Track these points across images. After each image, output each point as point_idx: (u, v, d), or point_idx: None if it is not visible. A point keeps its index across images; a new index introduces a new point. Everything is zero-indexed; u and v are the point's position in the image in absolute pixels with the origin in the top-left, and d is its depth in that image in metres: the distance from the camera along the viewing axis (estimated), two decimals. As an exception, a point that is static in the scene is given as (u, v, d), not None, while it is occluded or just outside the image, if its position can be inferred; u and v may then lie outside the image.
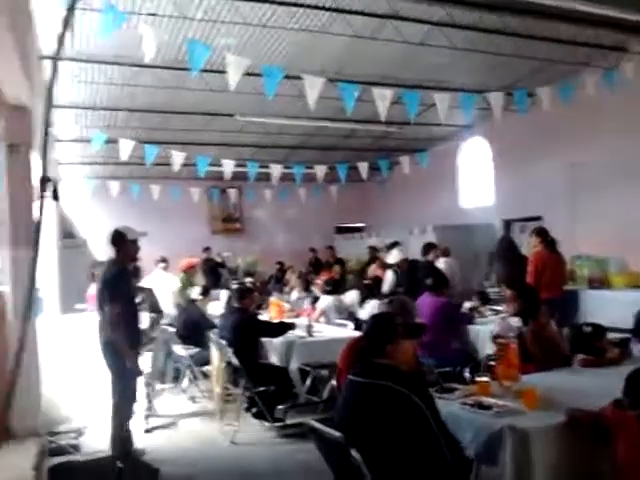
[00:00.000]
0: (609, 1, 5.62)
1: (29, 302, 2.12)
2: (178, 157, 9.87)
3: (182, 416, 6.17)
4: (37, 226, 2.06)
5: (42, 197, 2.13)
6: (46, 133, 2.20)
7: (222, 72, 7.66)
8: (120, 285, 4.55)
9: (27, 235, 5.38)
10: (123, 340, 4.45)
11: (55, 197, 2.15)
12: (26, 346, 2.44)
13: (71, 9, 2.72)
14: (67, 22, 2.62)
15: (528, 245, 7.55)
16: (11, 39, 2.67)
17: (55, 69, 2.30)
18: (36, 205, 5.17)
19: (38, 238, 2.07)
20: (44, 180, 2.11)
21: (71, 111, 9.49)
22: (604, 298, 7.46)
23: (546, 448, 2.69)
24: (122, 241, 4.70)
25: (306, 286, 8.77)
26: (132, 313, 4.64)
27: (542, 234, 7.11)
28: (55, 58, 2.36)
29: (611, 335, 4.35)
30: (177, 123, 10.80)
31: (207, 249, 13.00)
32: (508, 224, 11.55)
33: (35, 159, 5.99)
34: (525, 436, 2.66)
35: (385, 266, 8.83)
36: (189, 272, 8.66)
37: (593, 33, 7.89)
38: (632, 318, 5.11)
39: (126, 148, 9.24)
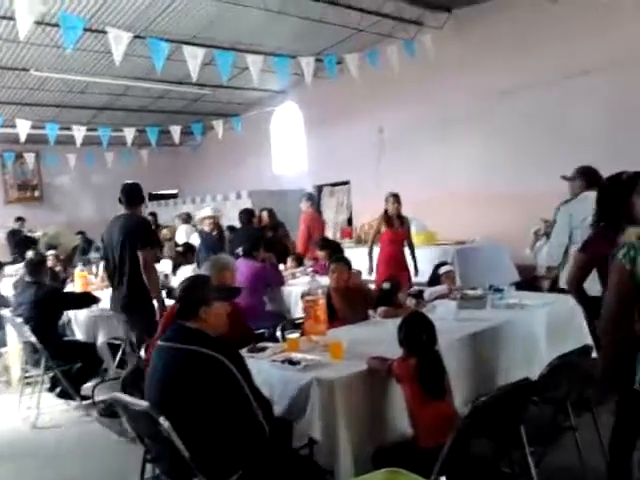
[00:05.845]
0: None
1: None
2: (-42, 116, 8.63)
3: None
4: None
5: None
6: None
7: (10, 18, 6.83)
8: None
9: None
10: None
11: None
12: None
13: None
14: None
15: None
16: None
17: None
18: None
19: None
20: None
21: None
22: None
23: (350, 396, 2.78)
24: None
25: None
26: None
27: (309, 198, 8.27)
28: None
29: (413, 288, 4.72)
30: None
31: (20, 219, 12.01)
32: (320, 189, 11.98)
33: None
34: (331, 386, 2.73)
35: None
36: None
37: (395, 6, 8.37)
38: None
39: None
